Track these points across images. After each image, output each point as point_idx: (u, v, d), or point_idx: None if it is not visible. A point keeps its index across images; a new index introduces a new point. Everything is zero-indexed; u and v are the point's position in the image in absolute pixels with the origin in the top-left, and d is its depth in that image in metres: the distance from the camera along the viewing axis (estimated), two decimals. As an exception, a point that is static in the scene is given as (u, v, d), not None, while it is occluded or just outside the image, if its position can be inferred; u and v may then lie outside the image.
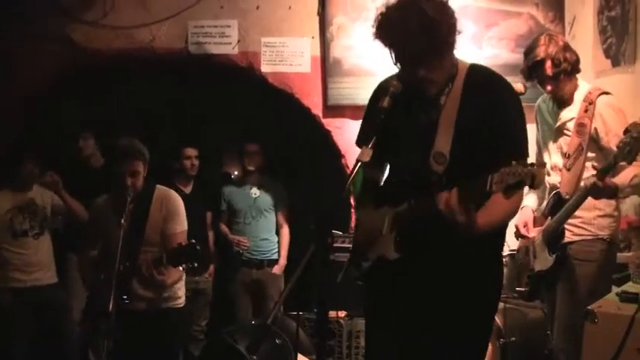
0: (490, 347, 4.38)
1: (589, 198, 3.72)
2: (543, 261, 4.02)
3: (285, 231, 6.62)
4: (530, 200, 4.27)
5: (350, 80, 6.10)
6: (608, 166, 3.59)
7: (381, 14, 2.75)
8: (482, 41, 5.86)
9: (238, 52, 6.26)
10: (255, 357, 4.74)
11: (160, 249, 4.38)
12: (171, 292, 4.47)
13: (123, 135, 4.48)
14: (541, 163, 2.47)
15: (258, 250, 6.49)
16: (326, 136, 6.27)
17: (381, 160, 3.04)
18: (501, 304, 4.47)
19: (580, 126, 3.93)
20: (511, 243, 4.28)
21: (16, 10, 6.20)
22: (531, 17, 5.85)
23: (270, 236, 6.57)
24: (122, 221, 4.12)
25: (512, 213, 2.89)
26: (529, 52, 4.05)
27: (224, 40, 6.24)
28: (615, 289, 3.43)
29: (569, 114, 4.02)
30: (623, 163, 3.54)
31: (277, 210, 6.62)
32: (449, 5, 2.77)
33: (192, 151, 6.40)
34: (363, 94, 5.71)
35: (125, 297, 4.18)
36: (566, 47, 4.01)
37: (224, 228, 6.60)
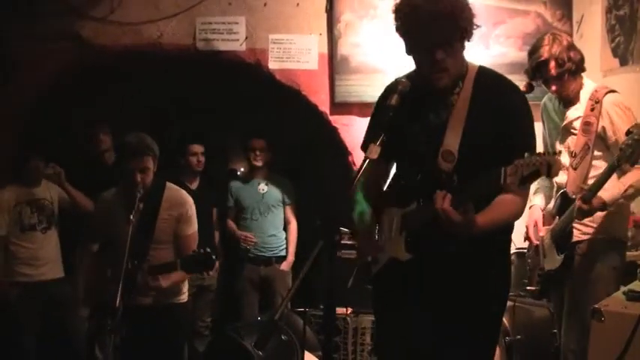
0: (496, 345, 4.38)
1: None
2: (552, 260, 4.03)
3: (293, 227, 6.61)
4: (538, 199, 4.27)
5: (357, 77, 6.09)
6: (595, 187, 3.67)
7: (402, 3, 2.77)
8: (489, 39, 5.85)
9: (246, 48, 6.25)
10: (261, 353, 4.75)
11: (170, 248, 4.42)
12: (175, 288, 4.47)
13: (130, 131, 4.47)
14: (555, 152, 2.46)
15: (266, 247, 6.49)
16: (333, 133, 6.27)
17: (387, 159, 3.06)
18: (508, 303, 4.47)
19: (586, 125, 3.92)
20: (518, 242, 4.28)
21: (25, 8, 6.21)
22: (539, 15, 5.83)
23: (277, 232, 6.57)
24: (131, 217, 4.12)
25: (517, 213, 2.88)
26: (533, 52, 4.04)
27: (232, 37, 6.24)
28: (623, 288, 3.43)
29: (576, 113, 4.02)
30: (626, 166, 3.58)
31: (285, 206, 6.61)
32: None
33: (198, 148, 6.40)
34: (370, 92, 5.73)
35: (133, 293, 4.20)
36: (571, 46, 3.99)
37: (231, 224, 6.60)
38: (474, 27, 2.79)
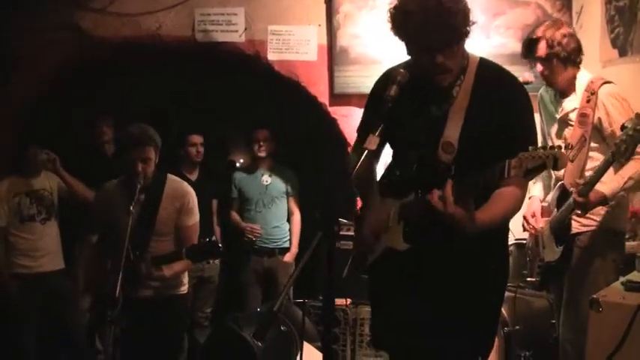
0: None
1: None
2: (551, 252, 4.03)
3: (297, 218, 6.60)
4: (537, 190, 4.27)
5: (356, 69, 6.08)
6: (591, 181, 3.67)
7: (395, 8, 2.76)
8: (489, 30, 5.84)
9: (245, 40, 6.24)
10: (260, 344, 4.76)
11: (170, 240, 4.42)
12: (176, 279, 4.49)
13: (130, 122, 4.47)
14: (559, 145, 2.47)
15: (270, 239, 6.48)
16: (332, 124, 6.26)
17: (380, 149, 3.06)
18: (508, 294, 4.48)
19: (582, 116, 3.92)
20: (517, 232, 4.29)
21: (25, 0, 6.21)
22: (539, 6, 5.82)
23: (281, 224, 6.56)
24: (131, 209, 4.12)
25: (516, 207, 2.87)
26: (530, 31, 4.08)
27: (231, 28, 6.22)
28: (621, 278, 3.44)
29: (571, 104, 4.02)
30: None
31: (288, 197, 6.60)
32: None
33: (197, 138, 6.40)
34: (369, 83, 5.55)
35: (134, 284, 4.21)
36: (568, 34, 3.97)
37: (235, 216, 6.58)
38: (470, 25, 2.77)
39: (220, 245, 4.22)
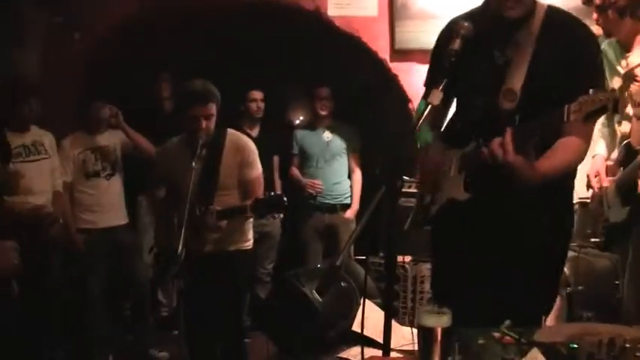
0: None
1: None
2: (617, 213, 3.94)
3: (358, 175, 6.58)
4: (600, 149, 4.17)
5: (417, 24, 6.02)
6: None
7: None
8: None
9: (306, -5, 6.21)
10: (321, 299, 4.79)
11: (235, 194, 4.45)
12: (239, 234, 4.52)
13: (188, 78, 4.47)
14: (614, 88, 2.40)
15: (331, 195, 6.49)
16: (393, 80, 6.21)
17: (447, 101, 3.02)
18: (571, 253, 4.42)
19: None
20: (581, 191, 4.21)
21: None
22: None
23: (342, 180, 6.56)
24: (193, 164, 4.16)
25: (580, 157, 2.82)
26: None
27: (292, -16, 6.19)
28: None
29: (637, 59, 3.88)
30: None
31: (349, 155, 6.59)
32: None
33: (257, 94, 6.41)
34: (430, 38, 5.59)
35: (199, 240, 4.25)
36: None
37: (296, 172, 6.60)
38: None
39: (285, 199, 4.23)
